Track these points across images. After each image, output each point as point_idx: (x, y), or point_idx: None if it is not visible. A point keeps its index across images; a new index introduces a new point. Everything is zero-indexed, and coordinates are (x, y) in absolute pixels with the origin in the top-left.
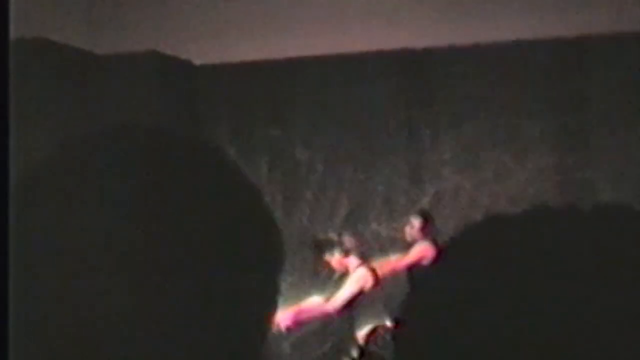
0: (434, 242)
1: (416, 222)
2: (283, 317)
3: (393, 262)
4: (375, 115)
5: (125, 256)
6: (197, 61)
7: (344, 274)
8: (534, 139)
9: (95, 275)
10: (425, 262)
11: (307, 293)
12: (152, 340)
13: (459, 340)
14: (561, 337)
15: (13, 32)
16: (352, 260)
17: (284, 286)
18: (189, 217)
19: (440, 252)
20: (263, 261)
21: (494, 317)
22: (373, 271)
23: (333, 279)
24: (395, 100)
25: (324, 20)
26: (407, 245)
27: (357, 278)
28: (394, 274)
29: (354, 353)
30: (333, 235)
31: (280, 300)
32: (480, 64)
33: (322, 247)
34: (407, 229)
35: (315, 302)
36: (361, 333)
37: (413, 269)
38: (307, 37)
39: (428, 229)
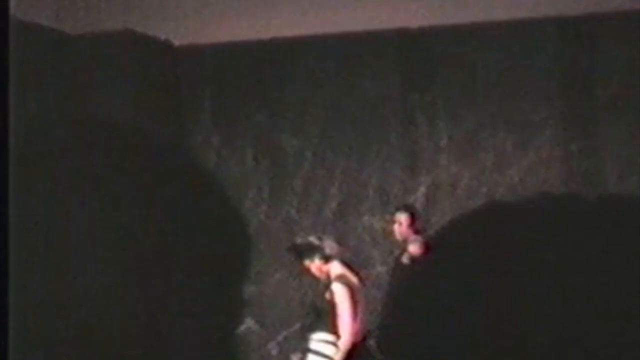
0: (425, 239)
1: (403, 218)
2: None
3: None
4: (368, 100)
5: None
6: (177, 41)
7: (327, 281)
8: (536, 125)
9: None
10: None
11: (297, 290)
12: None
13: (456, 335)
14: (566, 323)
15: None
16: (335, 267)
17: (272, 282)
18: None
19: (430, 250)
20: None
21: (493, 310)
22: (350, 287)
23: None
24: (389, 83)
25: None
26: (400, 243)
27: (342, 295)
28: None
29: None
30: (314, 240)
31: (269, 297)
32: (481, 45)
33: (301, 252)
34: (396, 227)
35: (326, 339)
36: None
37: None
38: (297, 15)
39: (417, 224)
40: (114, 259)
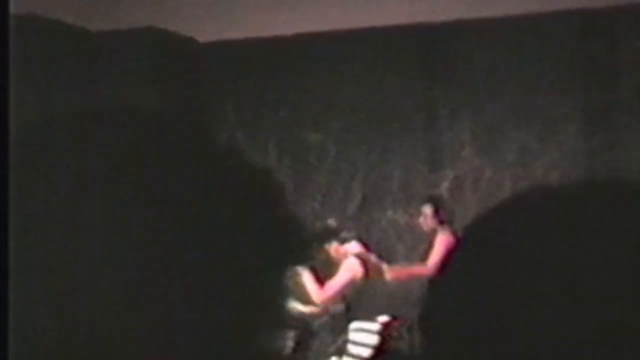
0: (452, 229)
1: (427, 210)
2: None
3: (419, 268)
4: (391, 94)
5: (129, 245)
6: (201, 38)
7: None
8: (559, 119)
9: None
10: (451, 253)
11: (320, 283)
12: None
13: (479, 330)
14: (591, 313)
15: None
16: (353, 247)
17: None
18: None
19: (459, 240)
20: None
21: (517, 307)
22: (364, 262)
23: None
24: (411, 78)
25: None
26: (427, 235)
27: (348, 267)
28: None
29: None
30: (332, 222)
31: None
32: (502, 38)
33: (321, 236)
34: (422, 220)
35: (314, 287)
36: (374, 325)
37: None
38: (318, 11)
39: (442, 215)
40: (131, 256)
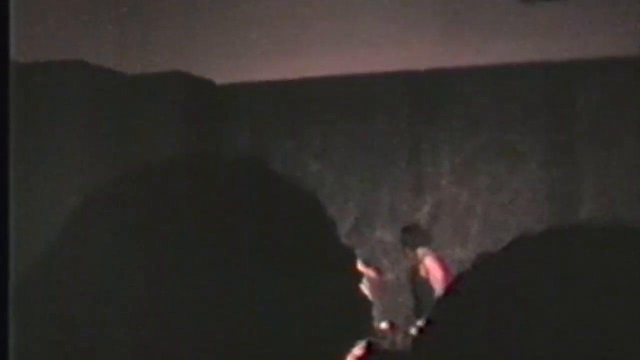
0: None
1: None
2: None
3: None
4: (381, 131)
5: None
6: (219, 81)
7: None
8: (524, 154)
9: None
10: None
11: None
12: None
13: (478, 340)
14: (557, 336)
15: (46, 54)
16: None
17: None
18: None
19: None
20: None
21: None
22: (374, 269)
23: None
24: (398, 117)
25: (334, 44)
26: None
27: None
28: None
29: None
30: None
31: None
32: (477, 85)
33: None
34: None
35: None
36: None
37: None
38: (319, 59)
39: (419, 240)
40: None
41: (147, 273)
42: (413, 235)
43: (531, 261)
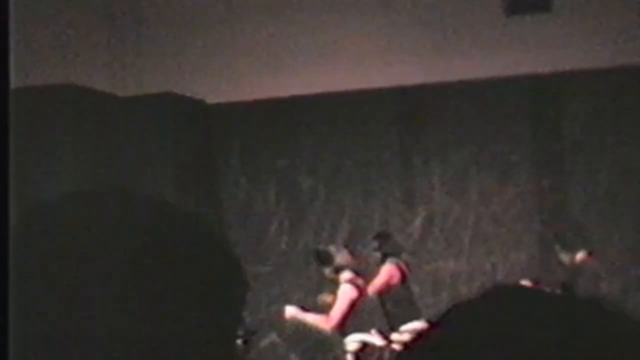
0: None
1: (374, 244)
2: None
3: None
4: (372, 146)
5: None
6: (210, 100)
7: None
8: (513, 165)
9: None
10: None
11: (314, 308)
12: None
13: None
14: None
15: (37, 79)
16: (346, 274)
17: (292, 301)
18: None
19: (403, 272)
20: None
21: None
22: (357, 285)
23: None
24: (389, 132)
25: (324, 61)
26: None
27: (342, 293)
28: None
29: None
30: (331, 248)
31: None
32: (466, 98)
33: (318, 260)
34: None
35: (317, 318)
36: (353, 345)
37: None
38: (310, 76)
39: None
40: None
41: (135, 274)
42: (381, 243)
43: (502, 315)
